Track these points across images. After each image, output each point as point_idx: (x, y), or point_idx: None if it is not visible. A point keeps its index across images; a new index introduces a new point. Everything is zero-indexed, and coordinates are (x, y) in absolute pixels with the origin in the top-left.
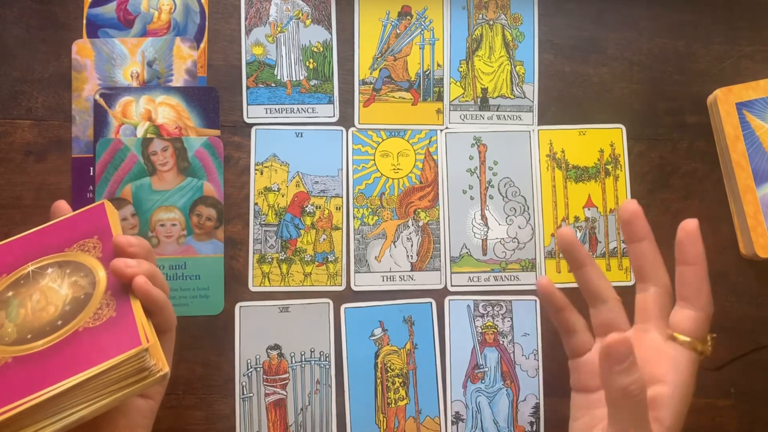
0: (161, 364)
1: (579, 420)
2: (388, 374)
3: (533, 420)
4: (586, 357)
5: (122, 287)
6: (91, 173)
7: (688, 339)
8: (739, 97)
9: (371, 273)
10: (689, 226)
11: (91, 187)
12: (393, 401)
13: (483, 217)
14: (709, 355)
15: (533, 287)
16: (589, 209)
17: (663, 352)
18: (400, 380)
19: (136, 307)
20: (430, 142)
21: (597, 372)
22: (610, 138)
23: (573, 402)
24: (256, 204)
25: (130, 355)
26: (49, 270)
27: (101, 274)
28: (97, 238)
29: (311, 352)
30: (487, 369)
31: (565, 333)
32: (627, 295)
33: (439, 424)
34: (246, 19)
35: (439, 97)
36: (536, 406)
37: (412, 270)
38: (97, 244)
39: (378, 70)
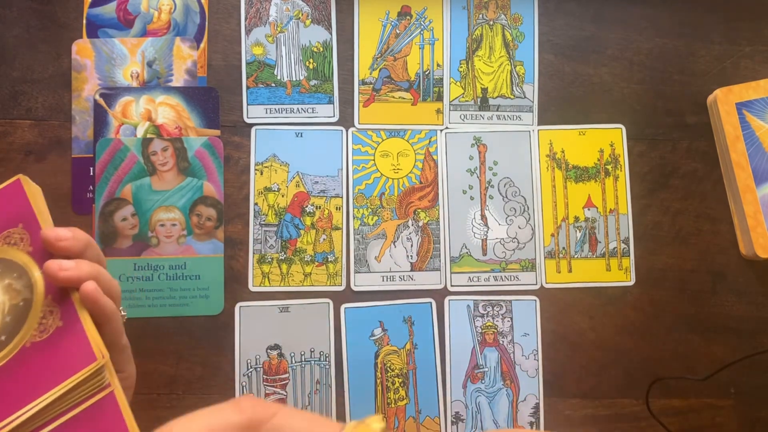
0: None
1: None
2: (388, 374)
3: (533, 420)
4: None
5: (63, 290)
6: (91, 173)
7: None
8: (739, 97)
9: (371, 273)
10: None
11: (91, 187)
12: (393, 401)
13: (483, 217)
14: None
15: (533, 287)
16: (589, 209)
17: None
18: (400, 380)
19: (84, 316)
20: (430, 142)
21: None
22: (610, 138)
23: None
24: (256, 204)
25: (86, 373)
26: None
27: (36, 275)
28: (23, 227)
29: (311, 352)
30: (487, 369)
31: None
32: (627, 295)
33: (439, 424)
34: (246, 19)
35: (439, 97)
36: (536, 406)
37: (412, 270)
38: (24, 235)
39: (378, 70)
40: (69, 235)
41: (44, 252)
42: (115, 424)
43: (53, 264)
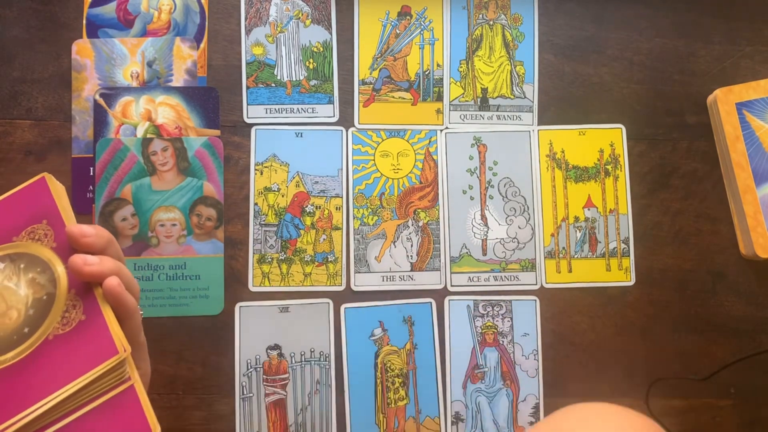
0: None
1: None
2: (388, 374)
3: (533, 420)
4: None
5: (86, 285)
6: (91, 173)
7: None
8: (739, 97)
9: (371, 273)
10: None
11: (91, 187)
12: (393, 401)
13: (483, 217)
14: None
15: (533, 287)
16: (588, 209)
17: None
18: (400, 380)
19: (106, 311)
20: (430, 142)
21: None
22: (610, 138)
23: None
24: (256, 204)
25: (108, 365)
26: (1, 266)
27: (60, 269)
28: (47, 224)
29: (311, 352)
30: (487, 369)
31: None
32: (627, 295)
33: (439, 425)
34: (246, 19)
35: (439, 97)
36: (536, 406)
37: (412, 270)
38: (48, 231)
39: (378, 70)
40: (93, 232)
41: (67, 248)
42: (134, 416)
43: (78, 259)
